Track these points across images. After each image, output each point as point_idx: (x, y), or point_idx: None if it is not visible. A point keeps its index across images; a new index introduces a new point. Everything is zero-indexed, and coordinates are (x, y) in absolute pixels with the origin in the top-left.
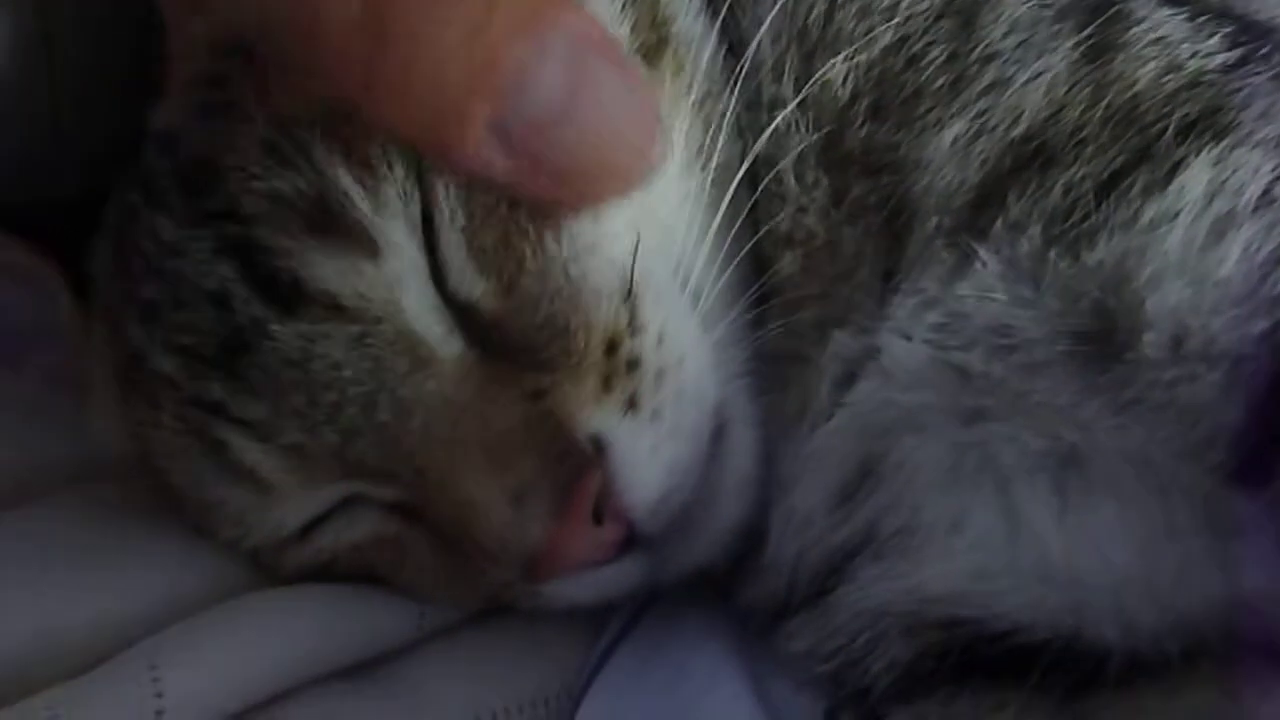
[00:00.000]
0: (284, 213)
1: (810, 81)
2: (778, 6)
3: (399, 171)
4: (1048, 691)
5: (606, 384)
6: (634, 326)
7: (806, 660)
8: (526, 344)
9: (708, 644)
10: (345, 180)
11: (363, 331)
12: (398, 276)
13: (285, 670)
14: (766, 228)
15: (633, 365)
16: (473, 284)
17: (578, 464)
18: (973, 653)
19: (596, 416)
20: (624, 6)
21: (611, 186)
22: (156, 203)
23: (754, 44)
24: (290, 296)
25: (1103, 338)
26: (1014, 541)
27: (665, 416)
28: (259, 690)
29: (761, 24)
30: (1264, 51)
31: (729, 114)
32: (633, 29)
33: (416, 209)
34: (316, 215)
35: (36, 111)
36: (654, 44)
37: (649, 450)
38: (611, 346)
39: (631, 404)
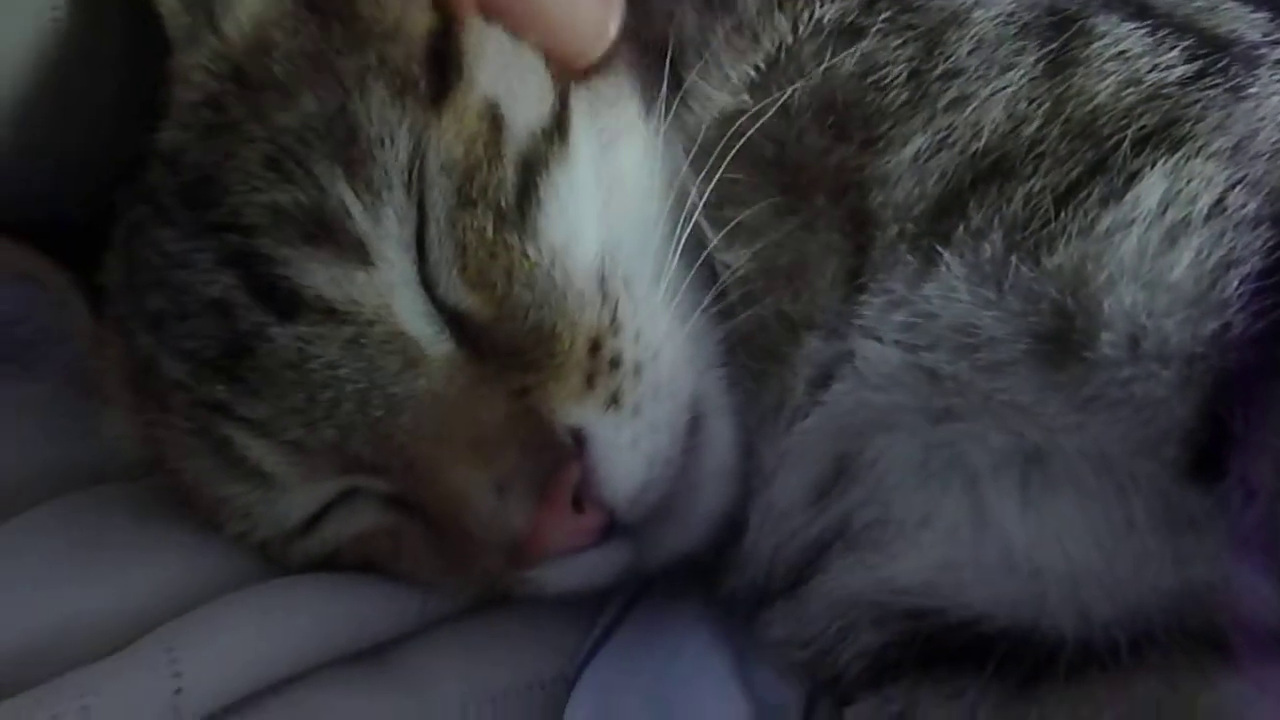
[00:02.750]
0: (282, 224)
1: (768, 101)
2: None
3: (399, 194)
4: (1003, 680)
5: (590, 381)
6: (614, 326)
7: (783, 648)
8: (514, 346)
9: (696, 632)
10: (346, 195)
11: (356, 334)
12: (390, 285)
13: (294, 654)
14: (728, 227)
15: (615, 364)
16: (461, 296)
17: (557, 456)
18: (936, 643)
19: (576, 411)
20: None
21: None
22: (162, 217)
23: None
24: (287, 303)
25: (1062, 337)
26: (979, 535)
27: (644, 410)
28: (270, 673)
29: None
30: (1222, 64)
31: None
32: None
33: (411, 229)
34: (313, 227)
35: (52, 140)
36: None
37: (629, 443)
38: (595, 347)
39: (614, 400)
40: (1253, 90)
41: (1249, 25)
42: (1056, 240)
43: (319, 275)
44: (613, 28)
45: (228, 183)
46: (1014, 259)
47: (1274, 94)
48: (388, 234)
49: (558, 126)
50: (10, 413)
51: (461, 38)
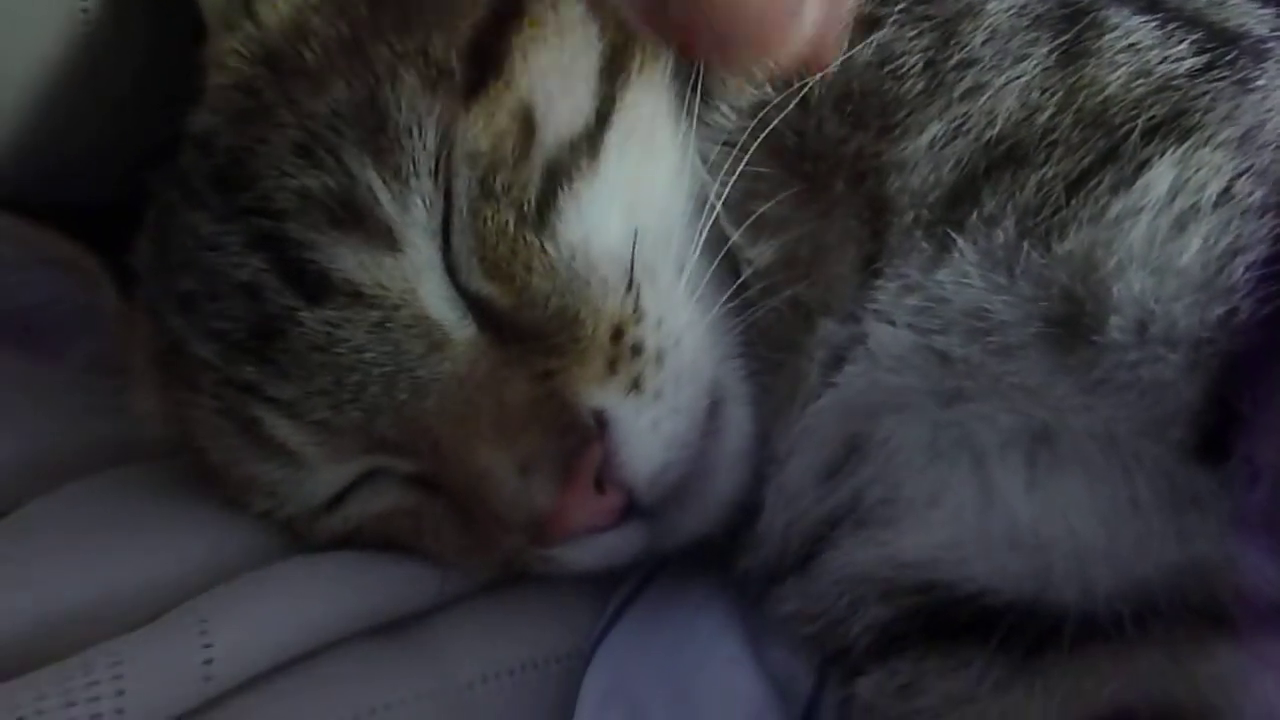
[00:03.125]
0: (312, 209)
1: (789, 91)
2: None
3: (426, 183)
4: (1008, 652)
5: (612, 367)
6: (637, 314)
7: (793, 623)
8: (536, 332)
9: (710, 610)
10: (374, 182)
11: (383, 317)
12: (416, 269)
13: (319, 627)
14: (750, 220)
15: (637, 350)
16: (482, 284)
17: (580, 437)
18: (942, 616)
19: (599, 394)
20: (588, 10)
21: (752, 52)
22: (193, 201)
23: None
24: (316, 286)
25: (1071, 321)
26: (986, 512)
27: (665, 395)
28: (296, 644)
29: None
30: (1230, 57)
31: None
32: (600, 30)
33: (439, 217)
34: (342, 212)
35: (82, 122)
36: (621, 43)
37: (650, 426)
38: (617, 334)
39: (635, 385)
40: (1260, 83)
41: (1256, 20)
42: (1068, 227)
43: (347, 260)
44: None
45: (258, 167)
46: (1026, 245)
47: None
48: (415, 221)
49: (588, 140)
50: (33, 396)
51: (512, 37)
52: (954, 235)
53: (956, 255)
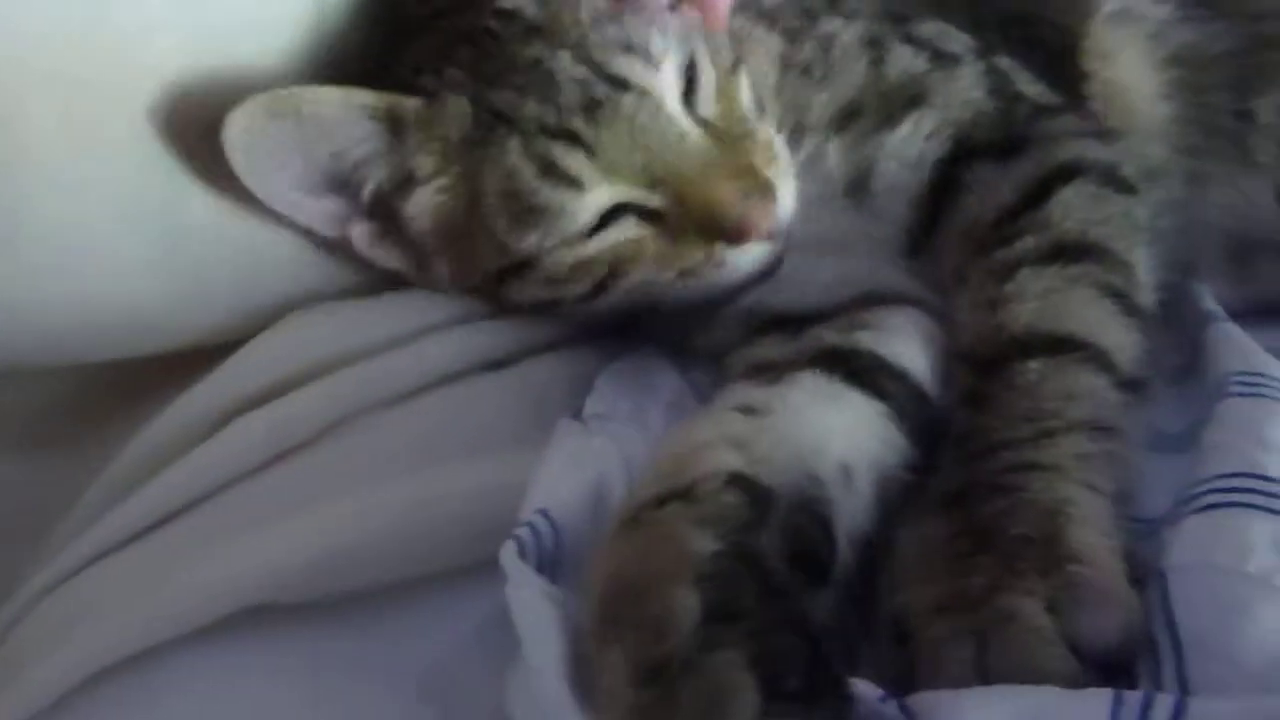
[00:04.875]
0: (615, 45)
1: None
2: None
3: (675, 61)
4: (796, 326)
5: (770, 162)
6: (773, 144)
7: (708, 350)
8: (735, 139)
9: (658, 355)
10: (651, 38)
11: (658, 106)
12: (667, 86)
13: (452, 360)
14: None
15: (776, 157)
16: (711, 112)
17: (764, 186)
18: (776, 321)
19: (769, 171)
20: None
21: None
22: (528, 39)
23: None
24: (620, 83)
25: (861, 184)
26: (813, 276)
27: (787, 178)
28: (444, 369)
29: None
30: (944, 63)
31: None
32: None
33: (682, 77)
34: (634, 48)
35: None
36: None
37: (788, 189)
38: (768, 149)
39: (779, 171)
40: (956, 76)
41: (959, 44)
42: (866, 143)
43: (635, 71)
44: None
45: (569, 26)
46: (850, 150)
47: (962, 79)
48: (669, 62)
49: (733, 65)
50: None
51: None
52: (826, 145)
53: (828, 152)
